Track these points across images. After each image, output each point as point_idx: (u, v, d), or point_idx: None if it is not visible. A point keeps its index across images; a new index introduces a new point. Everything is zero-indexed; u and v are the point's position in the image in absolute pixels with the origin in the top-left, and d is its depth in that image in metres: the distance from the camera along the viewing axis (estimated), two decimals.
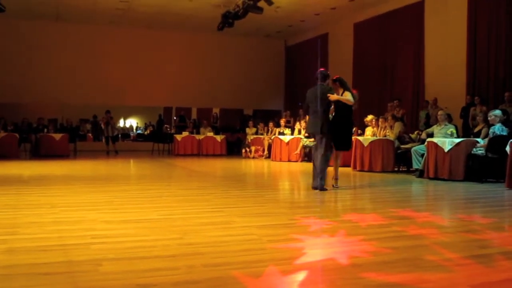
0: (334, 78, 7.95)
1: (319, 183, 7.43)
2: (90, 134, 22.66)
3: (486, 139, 9.01)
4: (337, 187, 7.74)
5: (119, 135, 24.00)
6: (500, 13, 11.89)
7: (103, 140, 18.97)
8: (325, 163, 7.54)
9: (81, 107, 21.83)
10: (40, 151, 16.20)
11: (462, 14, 12.78)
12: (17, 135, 16.20)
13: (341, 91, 7.76)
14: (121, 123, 28.63)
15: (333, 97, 7.53)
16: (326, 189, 7.42)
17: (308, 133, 7.42)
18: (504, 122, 9.00)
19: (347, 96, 7.62)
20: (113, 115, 18.94)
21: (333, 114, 7.86)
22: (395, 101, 13.38)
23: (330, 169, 7.84)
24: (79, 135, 20.24)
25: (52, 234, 4.19)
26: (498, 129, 8.78)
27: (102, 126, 18.72)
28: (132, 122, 29.63)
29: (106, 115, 18.44)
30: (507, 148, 7.93)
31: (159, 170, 11.75)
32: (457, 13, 12.94)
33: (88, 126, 23.96)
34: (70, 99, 19.71)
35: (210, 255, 3.54)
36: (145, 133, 25.61)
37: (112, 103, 20.15)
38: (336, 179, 7.85)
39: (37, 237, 4.11)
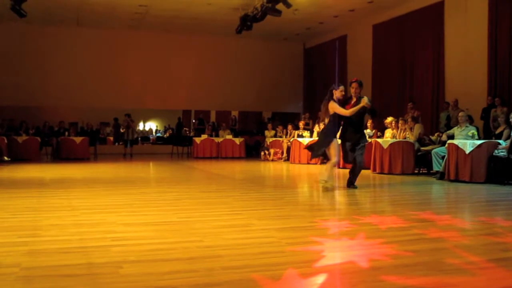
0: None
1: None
2: (110, 137, 22.87)
3: (508, 141, 8.90)
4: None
5: (139, 138, 24.21)
6: None
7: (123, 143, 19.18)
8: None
9: (101, 111, 22.08)
10: (61, 155, 16.37)
11: (482, 14, 12.64)
12: (38, 138, 16.44)
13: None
14: (140, 126, 28.86)
15: None
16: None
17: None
18: None
19: None
20: (133, 118, 19.09)
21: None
22: (409, 104, 13.35)
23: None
24: (100, 138, 20.44)
25: (72, 236, 4.23)
26: None
27: (122, 129, 18.89)
28: (151, 125, 29.84)
29: (126, 118, 18.61)
30: None
31: (178, 173, 11.80)
32: (478, 13, 12.81)
33: (109, 129, 24.21)
34: (90, 103, 19.96)
35: (229, 258, 3.54)
36: (165, 136, 25.78)
37: (131, 107, 20.38)
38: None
39: (58, 239, 4.15)
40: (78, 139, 16.73)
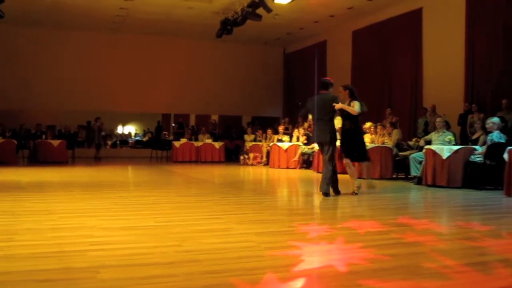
0: (345, 85, 8.05)
1: (325, 189, 7.55)
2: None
3: (484, 147, 9.03)
4: (356, 194, 7.85)
5: (117, 142, 24.00)
6: (498, 20, 11.94)
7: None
8: (331, 171, 7.64)
9: (80, 114, 21.79)
10: (38, 158, 16.20)
11: (460, 22, 12.83)
12: (15, 141, 16.21)
13: (348, 99, 7.81)
14: (119, 129, 28.62)
15: (338, 106, 7.59)
16: (328, 195, 7.51)
17: (317, 142, 7.74)
18: (502, 129, 9.02)
19: (355, 106, 7.67)
20: (112, 121, 19.01)
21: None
22: (387, 109, 13.50)
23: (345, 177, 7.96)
24: (78, 141, 20.27)
25: (50, 241, 4.18)
26: (496, 136, 8.80)
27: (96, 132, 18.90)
28: (130, 128, 29.63)
29: (97, 121, 18.55)
30: (505, 156, 7.95)
31: (157, 177, 11.74)
32: (455, 20, 12.99)
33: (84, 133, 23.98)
34: (69, 106, 19.73)
35: (208, 262, 3.53)
36: (144, 139, 25.62)
37: (110, 110, 20.28)
38: (358, 187, 7.98)
39: (34, 244, 4.09)
40: (55, 142, 16.56)
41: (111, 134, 25.97)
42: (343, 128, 7.86)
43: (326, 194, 7.52)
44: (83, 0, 15.12)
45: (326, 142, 7.67)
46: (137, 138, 27.46)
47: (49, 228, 4.75)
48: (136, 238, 4.37)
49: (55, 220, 5.21)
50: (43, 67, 18.76)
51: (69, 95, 19.12)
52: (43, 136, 16.94)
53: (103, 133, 19.36)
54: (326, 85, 7.83)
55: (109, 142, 23.22)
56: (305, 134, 14.88)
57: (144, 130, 28.04)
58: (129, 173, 13.16)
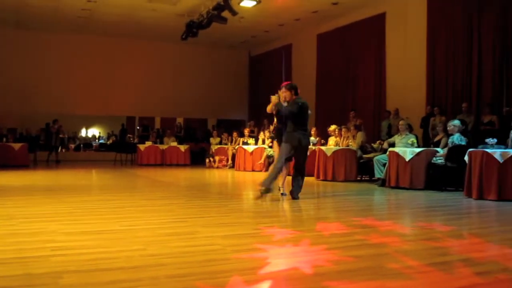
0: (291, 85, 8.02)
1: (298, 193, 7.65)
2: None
3: (446, 149, 9.21)
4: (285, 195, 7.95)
5: (81, 145, 23.61)
6: (458, 25, 12.22)
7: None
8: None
9: (43, 116, 21.37)
10: None
11: (421, 27, 13.10)
12: None
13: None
14: (83, 132, 28.18)
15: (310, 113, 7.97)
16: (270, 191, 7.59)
17: (295, 145, 7.60)
18: (462, 132, 9.22)
19: None
20: (76, 124, 18.74)
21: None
22: (351, 112, 13.67)
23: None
24: (40, 145, 19.85)
25: (10, 247, 4.08)
26: (457, 138, 8.98)
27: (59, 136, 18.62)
28: (94, 131, 29.19)
29: (55, 124, 18.26)
30: (466, 158, 8.12)
31: (121, 180, 11.60)
32: (417, 25, 13.25)
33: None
34: (31, 108, 19.35)
35: (174, 266, 3.50)
36: (108, 142, 25.28)
37: (74, 113, 19.90)
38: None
39: None
40: (16, 146, 16.21)
41: (75, 137, 25.55)
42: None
43: (268, 190, 7.42)
44: (45, 0, 14.84)
45: (307, 146, 7.86)
46: (101, 141, 27.08)
47: (10, 234, 4.64)
48: (100, 243, 4.30)
49: (16, 225, 5.09)
50: (3, 68, 18.34)
51: (31, 97, 18.76)
52: (4, 139, 16.56)
53: (61, 136, 19.00)
54: (297, 90, 7.86)
55: (72, 145, 22.82)
56: (271, 137, 14.90)
57: (108, 133, 27.67)
58: (92, 177, 12.96)
